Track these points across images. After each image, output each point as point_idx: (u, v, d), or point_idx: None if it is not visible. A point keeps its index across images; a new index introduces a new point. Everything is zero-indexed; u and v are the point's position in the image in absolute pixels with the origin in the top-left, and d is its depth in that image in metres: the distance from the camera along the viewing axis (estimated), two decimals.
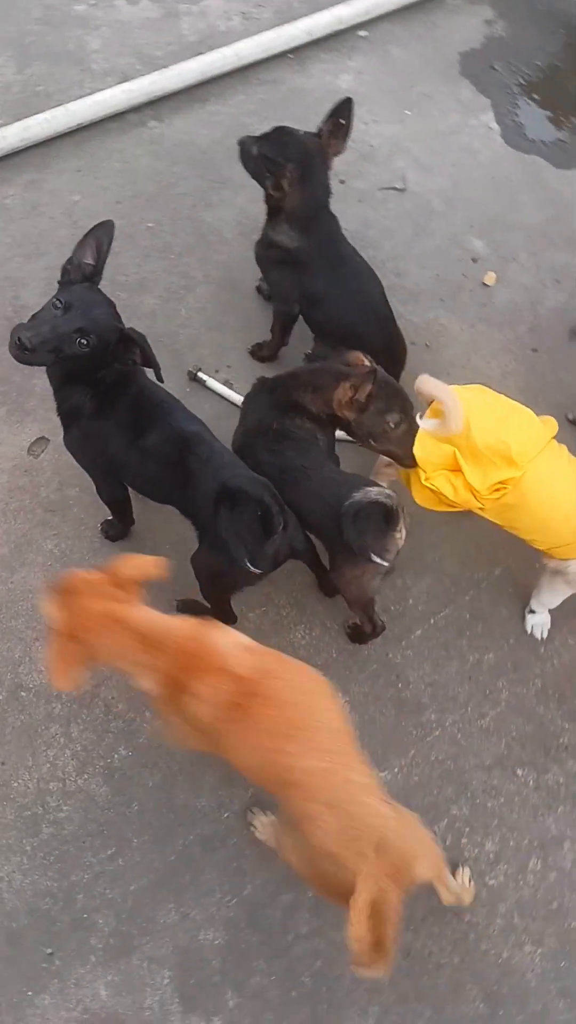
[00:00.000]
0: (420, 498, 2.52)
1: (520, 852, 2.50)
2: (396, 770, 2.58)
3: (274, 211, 2.80)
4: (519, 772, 2.60)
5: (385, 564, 2.36)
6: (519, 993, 2.34)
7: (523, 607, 2.83)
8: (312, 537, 2.54)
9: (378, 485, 2.37)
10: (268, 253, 2.90)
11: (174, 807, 2.49)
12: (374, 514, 2.30)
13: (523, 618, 2.81)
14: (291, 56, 3.83)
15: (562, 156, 3.66)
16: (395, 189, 3.54)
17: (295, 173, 2.69)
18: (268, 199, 2.80)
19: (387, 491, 2.32)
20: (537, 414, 3.11)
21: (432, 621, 2.80)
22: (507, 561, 2.91)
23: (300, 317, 2.99)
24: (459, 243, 3.45)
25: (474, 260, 3.42)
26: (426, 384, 2.39)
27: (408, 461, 2.49)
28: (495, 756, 2.62)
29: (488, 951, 2.38)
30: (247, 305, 3.26)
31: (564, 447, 2.50)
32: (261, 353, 3.16)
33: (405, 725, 2.65)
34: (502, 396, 2.52)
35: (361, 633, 2.68)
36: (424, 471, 2.45)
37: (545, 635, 2.80)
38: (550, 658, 2.77)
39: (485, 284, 3.39)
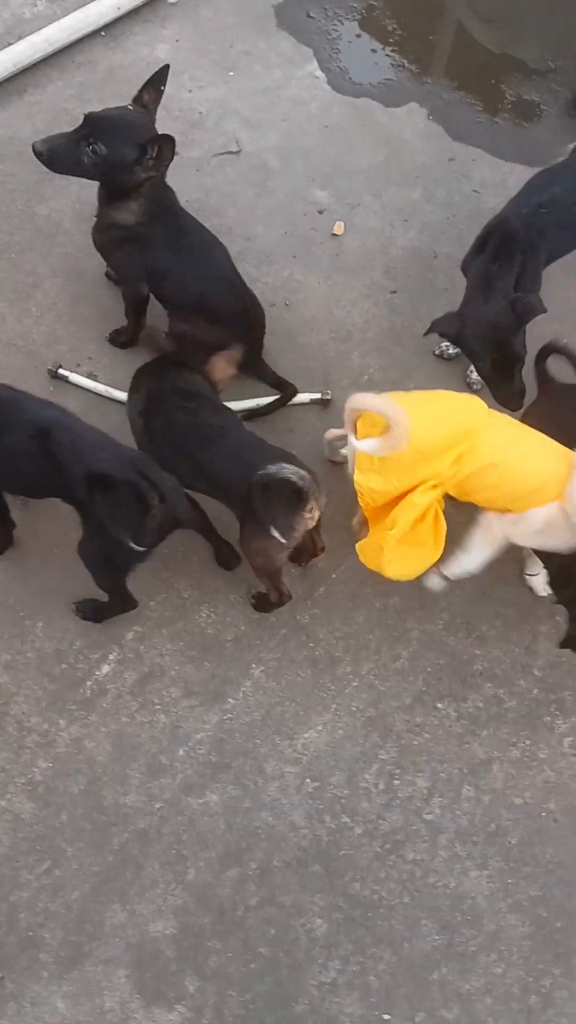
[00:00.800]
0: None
1: (452, 782, 2.53)
2: (320, 727, 2.58)
3: (122, 193, 2.72)
4: (439, 705, 2.63)
5: (283, 541, 2.34)
6: (472, 917, 2.39)
7: None
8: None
9: (294, 464, 2.32)
10: (108, 235, 2.82)
11: (104, 809, 2.45)
12: (284, 490, 2.28)
13: None
14: (103, 34, 3.71)
15: (390, 94, 3.63)
16: (230, 153, 3.47)
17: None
18: (117, 184, 2.72)
19: (301, 471, 2.28)
20: (403, 354, 3.17)
21: (334, 576, 2.80)
22: None
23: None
24: (302, 197, 3.41)
25: (320, 212, 3.39)
26: (363, 401, 2.32)
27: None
28: (414, 694, 2.64)
29: (436, 884, 2.42)
30: (99, 293, 3.18)
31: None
32: (120, 339, 3.09)
33: (323, 682, 2.65)
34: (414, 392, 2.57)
35: (266, 602, 2.67)
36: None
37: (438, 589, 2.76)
38: (453, 590, 2.79)
39: (335, 234, 3.36)
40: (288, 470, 2.26)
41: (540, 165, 3.53)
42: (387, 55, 3.75)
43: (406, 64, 3.72)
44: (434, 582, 2.66)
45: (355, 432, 2.36)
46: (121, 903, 2.36)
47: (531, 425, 2.50)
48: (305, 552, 2.68)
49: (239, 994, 2.27)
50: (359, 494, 2.41)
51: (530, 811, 2.50)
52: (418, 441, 2.26)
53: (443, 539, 2.47)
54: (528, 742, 2.59)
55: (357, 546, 2.50)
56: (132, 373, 3.06)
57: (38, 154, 2.62)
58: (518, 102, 3.67)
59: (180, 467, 2.44)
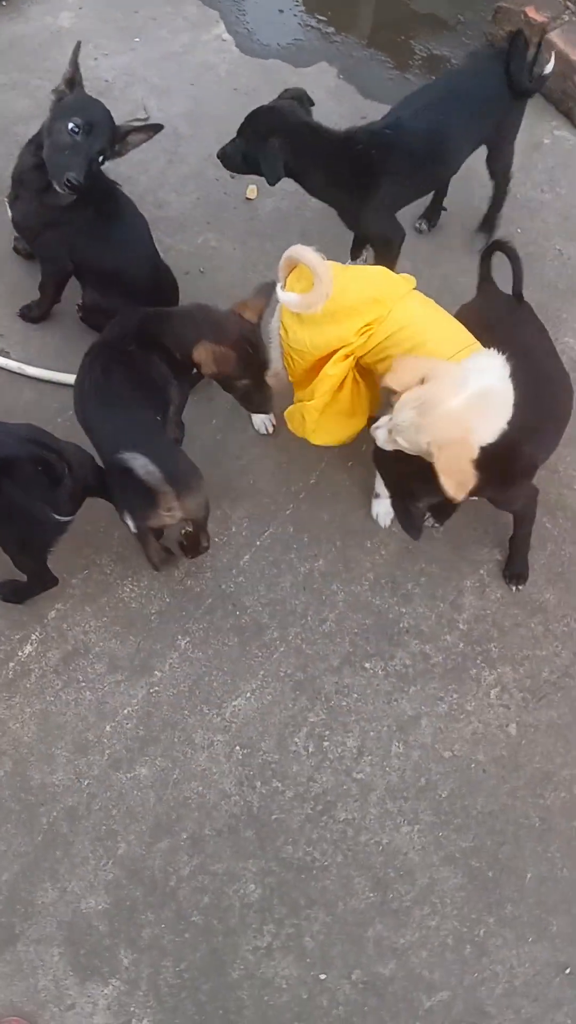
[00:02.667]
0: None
1: (381, 740, 2.50)
2: (248, 694, 2.53)
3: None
4: (367, 665, 2.59)
5: (133, 531, 2.33)
6: (405, 872, 2.36)
7: (343, 508, 2.80)
8: None
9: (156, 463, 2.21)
10: (41, 219, 2.71)
11: (31, 789, 2.39)
12: (142, 481, 2.21)
13: (344, 517, 2.79)
14: (4, 3, 3.58)
15: (299, 55, 3.55)
16: (138, 120, 3.37)
17: None
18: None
19: (151, 468, 2.18)
20: None
21: (258, 543, 2.74)
22: (320, 466, 2.87)
23: None
24: (214, 162, 3.26)
25: (232, 176, 3.29)
26: (299, 253, 2.34)
27: (254, 408, 2.56)
28: (342, 656, 2.60)
29: (368, 841, 2.39)
30: (6, 267, 3.08)
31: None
32: (32, 314, 2.99)
33: (250, 649, 2.60)
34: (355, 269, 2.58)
35: (196, 543, 2.62)
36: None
37: (387, 523, 2.75)
38: (377, 550, 2.75)
39: (248, 198, 3.28)
40: (137, 462, 2.17)
41: None
42: (294, 15, 3.67)
43: (314, 23, 3.64)
44: (381, 514, 2.71)
45: (283, 285, 2.42)
46: (52, 881, 2.30)
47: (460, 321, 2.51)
48: (188, 548, 2.62)
49: (174, 964, 2.23)
50: (284, 354, 2.51)
51: (459, 764, 2.48)
52: (329, 300, 2.30)
53: (367, 405, 2.58)
54: (456, 696, 2.56)
55: (284, 413, 2.63)
56: (44, 349, 2.99)
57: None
58: (429, 57, 3.60)
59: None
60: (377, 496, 2.74)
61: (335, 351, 2.40)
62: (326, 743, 2.49)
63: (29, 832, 2.35)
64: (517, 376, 2.26)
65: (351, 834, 2.39)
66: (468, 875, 2.36)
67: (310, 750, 2.48)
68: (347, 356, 2.41)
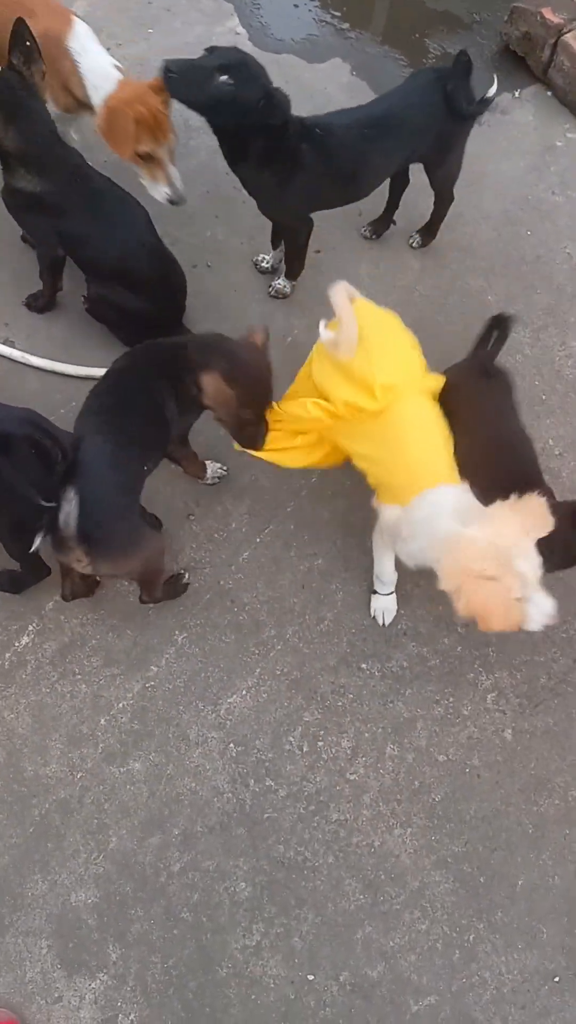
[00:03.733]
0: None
1: (376, 742, 2.47)
2: (244, 692, 2.51)
3: (2, 156, 2.58)
4: (364, 666, 2.56)
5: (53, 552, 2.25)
6: (396, 875, 2.34)
7: (344, 506, 2.77)
8: None
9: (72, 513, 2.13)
10: (15, 200, 2.68)
11: (24, 780, 2.37)
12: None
13: (345, 516, 2.75)
14: None
15: (313, 50, 3.50)
16: None
17: None
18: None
19: (70, 523, 2.11)
20: (327, 313, 3.05)
21: (258, 540, 2.71)
22: None
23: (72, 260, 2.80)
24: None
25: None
26: (335, 295, 2.23)
27: (246, 443, 2.40)
28: (339, 656, 2.57)
29: (360, 843, 2.36)
30: (13, 256, 3.04)
31: (434, 407, 2.33)
32: (37, 304, 2.96)
33: (247, 646, 2.57)
34: (396, 324, 2.38)
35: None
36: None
37: (387, 620, 2.62)
38: None
39: None
40: (66, 505, 2.12)
41: None
42: (309, 10, 3.62)
43: (329, 19, 3.59)
44: (379, 611, 2.62)
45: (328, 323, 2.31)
46: (42, 874, 2.28)
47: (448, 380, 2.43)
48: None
49: (162, 960, 2.21)
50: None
51: (453, 768, 2.45)
52: (357, 358, 2.22)
53: (318, 458, 2.48)
54: (452, 699, 2.53)
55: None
56: (50, 339, 2.95)
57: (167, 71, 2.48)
58: (443, 55, 3.55)
59: None
60: (375, 593, 2.62)
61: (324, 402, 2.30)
62: (320, 743, 2.46)
63: (21, 823, 2.33)
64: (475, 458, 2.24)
65: (343, 835, 2.37)
66: (459, 880, 2.34)
67: (304, 749, 2.45)
68: (327, 411, 2.29)
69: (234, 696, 2.50)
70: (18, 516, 2.27)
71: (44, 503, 2.16)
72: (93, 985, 2.19)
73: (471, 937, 2.28)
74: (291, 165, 2.61)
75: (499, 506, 2.08)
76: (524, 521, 2.03)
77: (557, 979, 2.24)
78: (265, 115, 2.50)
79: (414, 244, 3.21)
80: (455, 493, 2.16)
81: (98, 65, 2.69)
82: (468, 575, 1.99)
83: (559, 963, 2.26)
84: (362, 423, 2.26)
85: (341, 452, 2.45)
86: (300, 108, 3.34)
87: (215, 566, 2.67)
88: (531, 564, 2.00)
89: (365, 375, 2.20)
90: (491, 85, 2.73)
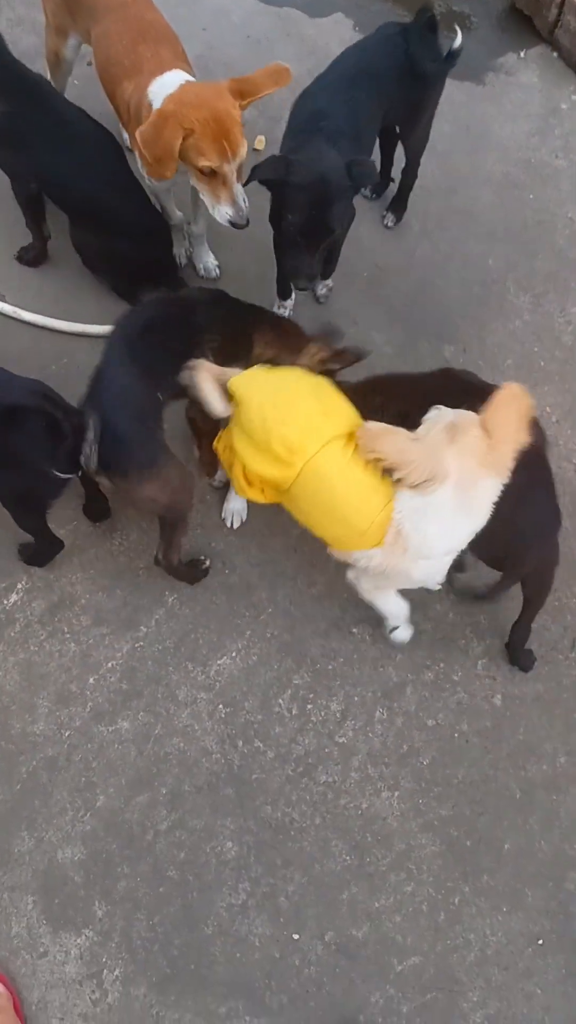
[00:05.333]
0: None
1: (366, 705, 2.44)
2: (234, 653, 2.47)
3: None
4: (355, 630, 2.53)
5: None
6: (383, 837, 2.32)
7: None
8: None
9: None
10: None
11: (11, 738, 2.34)
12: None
13: None
14: None
15: (316, 4, 3.39)
16: None
17: None
18: None
19: (91, 441, 2.08)
20: None
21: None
22: None
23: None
24: None
25: (243, 124, 3.16)
26: (197, 378, 2.15)
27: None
28: (330, 620, 2.54)
29: (347, 805, 2.34)
30: (2, 212, 2.95)
31: (347, 449, 2.09)
32: (28, 256, 2.87)
33: (238, 608, 2.53)
34: (292, 383, 2.16)
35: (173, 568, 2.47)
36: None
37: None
38: None
39: (256, 148, 3.15)
40: (91, 429, 2.09)
41: (469, 79, 3.37)
42: None
43: None
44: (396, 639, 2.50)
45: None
46: (29, 830, 2.25)
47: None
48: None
49: (147, 917, 2.19)
50: None
51: (442, 732, 2.43)
52: (248, 425, 2.09)
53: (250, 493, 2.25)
54: (442, 664, 2.50)
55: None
56: (42, 295, 2.88)
57: None
58: (447, 13, 3.45)
59: None
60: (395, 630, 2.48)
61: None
62: (310, 706, 2.43)
63: (8, 780, 2.30)
64: None
65: (331, 797, 2.34)
66: (446, 843, 2.32)
67: (293, 712, 2.42)
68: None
69: (224, 658, 2.47)
70: (27, 484, 2.22)
71: (59, 474, 2.12)
72: (79, 941, 2.17)
73: (456, 899, 2.26)
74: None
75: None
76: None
77: (541, 942, 2.23)
78: None
79: (389, 223, 3.11)
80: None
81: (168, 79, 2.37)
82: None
83: (543, 926, 2.25)
84: (287, 490, 2.14)
85: None
86: (300, 63, 3.26)
87: (207, 528, 2.62)
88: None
89: (268, 442, 2.06)
90: (455, 38, 2.57)
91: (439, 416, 2.05)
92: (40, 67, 2.89)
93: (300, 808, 2.33)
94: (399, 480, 2.00)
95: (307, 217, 2.32)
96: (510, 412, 2.01)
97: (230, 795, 2.33)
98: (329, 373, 2.30)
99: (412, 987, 2.17)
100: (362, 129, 2.55)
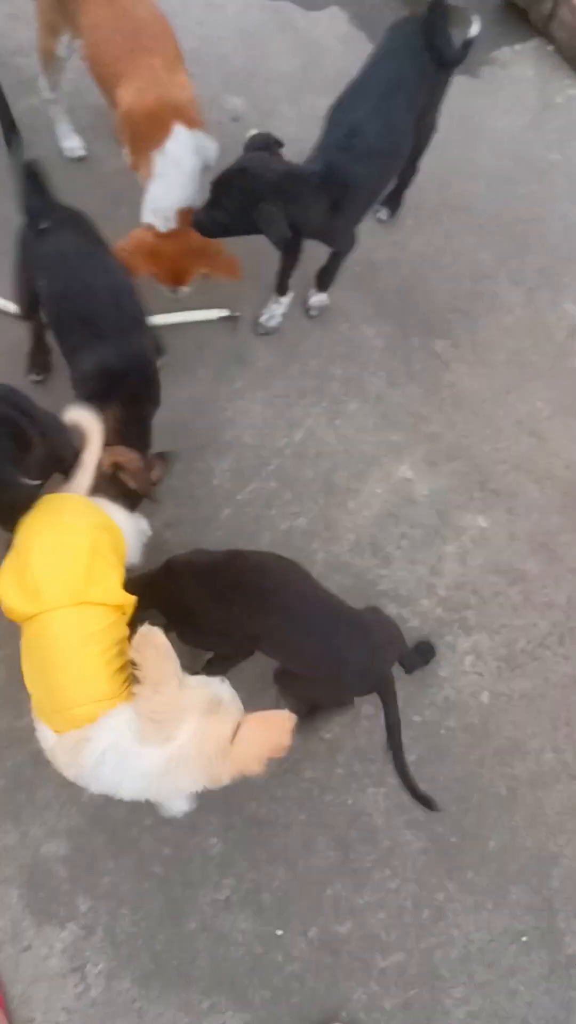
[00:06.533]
0: None
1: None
2: None
3: None
4: None
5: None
6: (368, 834, 2.27)
7: (328, 466, 2.68)
8: None
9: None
10: None
11: None
12: None
13: (328, 476, 2.65)
14: None
15: None
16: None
17: None
18: None
19: None
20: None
21: (239, 497, 2.62)
22: (306, 422, 2.73)
23: None
24: (217, 104, 3.12)
25: (235, 120, 3.11)
26: None
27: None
28: None
29: (333, 801, 2.30)
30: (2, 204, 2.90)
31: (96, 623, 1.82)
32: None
33: None
34: (76, 534, 1.90)
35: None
36: None
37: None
38: (359, 511, 2.63)
39: None
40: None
41: (463, 72, 3.28)
42: None
43: None
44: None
45: None
46: (14, 824, 2.22)
47: None
48: None
49: (131, 912, 2.16)
50: None
51: (429, 729, 2.38)
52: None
53: None
54: (430, 661, 2.45)
55: None
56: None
57: None
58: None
59: None
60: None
61: None
62: None
63: None
64: None
65: (316, 793, 2.30)
66: (431, 840, 2.28)
67: (280, 706, 2.37)
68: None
69: (207, 653, 2.42)
70: None
71: (27, 481, 2.04)
72: (62, 935, 2.14)
73: (441, 896, 2.22)
74: (348, 189, 2.41)
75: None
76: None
77: (525, 939, 2.19)
78: (307, 187, 2.37)
79: (382, 217, 3.04)
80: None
81: (164, 193, 2.45)
82: None
83: (527, 923, 2.20)
84: (27, 629, 1.87)
85: None
86: (294, 57, 3.20)
87: (195, 523, 2.57)
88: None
89: (25, 568, 1.83)
90: (470, 25, 2.53)
91: (216, 688, 1.83)
92: (33, 62, 2.83)
93: (285, 804, 2.29)
94: (136, 695, 1.71)
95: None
96: (260, 740, 1.78)
97: (214, 792, 2.27)
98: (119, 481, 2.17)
99: (395, 983, 2.13)
100: (399, 142, 2.52)
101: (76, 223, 2.29)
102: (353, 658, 2.05)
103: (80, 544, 1.86)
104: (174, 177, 2.41)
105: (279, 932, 2.17)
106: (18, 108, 3.09)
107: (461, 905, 2.21)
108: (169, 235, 2.45)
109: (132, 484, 2.18)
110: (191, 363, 2.75)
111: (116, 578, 1.89)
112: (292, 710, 2.00)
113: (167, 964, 2.13)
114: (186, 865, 2.21)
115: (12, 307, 2.69)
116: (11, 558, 1.90)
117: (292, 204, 2.34)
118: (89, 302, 2.17)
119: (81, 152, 3.03)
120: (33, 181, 2.25)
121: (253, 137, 2.42)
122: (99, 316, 2.16)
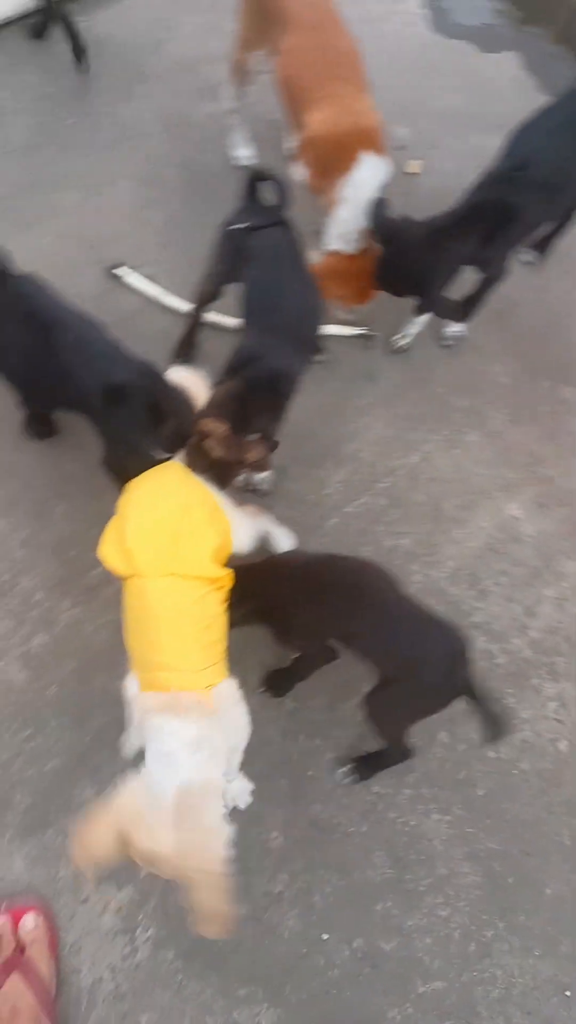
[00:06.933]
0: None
1: (429, 726, 2.40)
2: None
3: None
4: None
5: None
6: (426, 858, 2.28)
7: (440, 492, 2.70)
8: None
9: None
10: None
11: (92, 690, 2.40)
12: None
13: (439, 503, 2.67)
14: None
15: (489, 39, 3.38)
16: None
17: None
18: None
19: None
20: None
21: (348, 509, 2.67)
22: (425, 447, 2.76)
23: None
24: (384, 131, 3.19)
25: (400, 148, 3.18)
26: None
27: None
28: None
29: (396, 819, 2.31)
30: (170, 200, 3.05)
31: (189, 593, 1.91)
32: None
33: None
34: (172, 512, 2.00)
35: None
36: None
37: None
38: (463, 541, 2.64)
39: (408, 172, 3.16)
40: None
41: None
42: (491, 0, 3.48)
43: (508, 11, 3.45)
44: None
45: None
46: (92, 782, 2.30)
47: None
48: None
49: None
50: None
51: (502, 767, 2.37)
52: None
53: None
54: (513, 700, 2.45)
55: None
56: (191, 280, 2.94)
57: None
58: None
59: None
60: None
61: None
62: None
63: (80, 730, 2.35)
64: None
65: (381, 808, 2.32)
66: (487, 876, 2.26)
67: (358, 718, 2.40)
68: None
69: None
70: (129, 459, 2.24)
71: (158, 454, 2.14)
72: (119, 896, 2.21)
73: (490, 934, 2.20)
74: (497, 218, 2.49)
75: None
76: None
77: (568, 993, 2.15)
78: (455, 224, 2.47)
79: (530, 259, 3.02)
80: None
81: (351, 217, 2.54)
82: None
83: (573, 977, 2.17)
84: (126, 588, 1.96)
85: None
86: (464, 95, 3.26)
87: (302, 527, 2.62)
88: None
89: (122, 533, 1.95)
90: None
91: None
92: (219, 71, 2.96)
93: (349, 813, 2.31)
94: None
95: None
96: None
97: (283, 786, 2.33)
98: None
99: (431, 1011, 2.13)
100: (566, 182, 2.55)
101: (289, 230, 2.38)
102: (441, 658, 2.06)
103: (171, 516, 1.96)
104: (358, 201, 2.50)
105: (324, 936, 2.19)
106: (197, 113, 3.26)
107: (509, 946, 2.19)
108: (354, 256, 2.55)
109: (216, 453, 2.15)
110: (324, 374, 2.82)
111: (208, 552, 1.96)
112: (383, 737, 2.16)
113: (210, 945, 2.17)
114: (245, 852, 2.25)
115: (182, 304, 2.81)
116: (115, 520, 2.02)
117: (444, 253, 2.45)
118: (278, 301, 2.25)
119: (250, 162, 3.15)
120: (257, 183, 2.35)
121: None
122: (281, 321, 2.22)
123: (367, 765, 2.33)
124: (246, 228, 2.30)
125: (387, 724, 2.20)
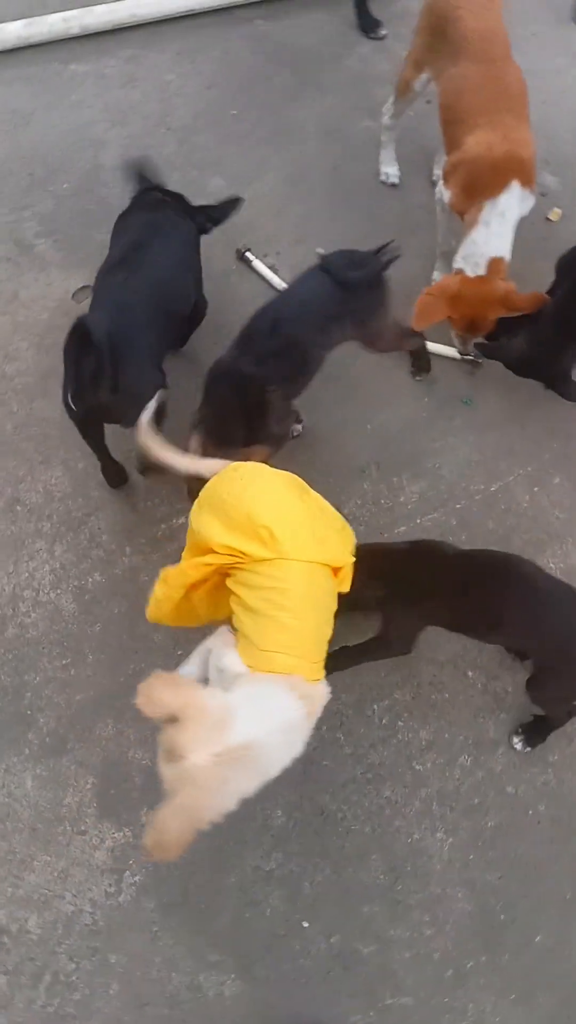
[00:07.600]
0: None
1: (453, 746, 2.37)
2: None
3: None
4: (470, 674, 2.46)
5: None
6: (422, 874, 2.23)
7: (512, 523, 2.67)
8: None
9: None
10: None
11: (134, 635, 2.45)
12: None
13: (509, 534, 2.65)
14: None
15: None
16: None
17: None
18: None
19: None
20: None
21: (418, 521, 2.67)
22: (507, 478, 2.74)
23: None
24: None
25: (543, 194, 3.21)
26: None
27: None
28: (450, 654, 2.48)
29: (400, 828, 2.28)
30: (311, 199, 3.14)
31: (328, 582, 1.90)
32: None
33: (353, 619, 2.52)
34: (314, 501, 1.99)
35: None
36: None
37: None
38: None
39: (549, 219, 3.17)
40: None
41: None
42: None
43: None
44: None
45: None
46: (115, 721, 2.35)
47: None
48: None
49: None
50: None
51: (518, 803, 2.31)
52: (234, 498, 1.88)
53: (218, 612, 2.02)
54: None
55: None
56: None
57: None
58: None
59: None
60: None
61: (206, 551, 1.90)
62: (401, 723, 2.39)
63: (114, 671, 2.41)
64: None
65: (388, 814, 2.29)
66: (480, 907, 2.20)
67: (384, 722, 2.39)
68: (208, 565, 1.90)
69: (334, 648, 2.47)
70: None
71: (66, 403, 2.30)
72: (116, 835, 2.24)
73: (469, 964, 2.14)
74: None
75: None
76: None
77: None
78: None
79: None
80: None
81: (484, 241, 2.55)
82: None
83: None
84: (251, 569, 1.84)
85: None
86: None
87: (369, 527, 2.64)
88: None
89: (250, 517, 1.82)
90: None
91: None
92: (385, 92, 3.05)
93: (355, 811, 2.29)
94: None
95: None
96: None
97: (296, 769, 2.27)
98: None
99: None
100: None
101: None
102: None
103: (308, 512, 1.91)
104: (496, 228, 2.52)
105: (305, 924, 2.17)
106: (355, 127, 3.36)
107: (487, 981, 2.13)
108: (475, 281, 2.54)
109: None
110: (421, 389, 2.84)
111: (337, 540, 1.94)
112: (551, 717, 2.25)
113: (193, 904, 2.17)
114: (245, 823, 2.25)
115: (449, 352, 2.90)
116: (214, 518, 1.89)
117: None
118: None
119: (395, 180, 3.22)
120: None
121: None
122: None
123: (537, 731, 2.34)
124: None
125: (554, 704, 2.26)
